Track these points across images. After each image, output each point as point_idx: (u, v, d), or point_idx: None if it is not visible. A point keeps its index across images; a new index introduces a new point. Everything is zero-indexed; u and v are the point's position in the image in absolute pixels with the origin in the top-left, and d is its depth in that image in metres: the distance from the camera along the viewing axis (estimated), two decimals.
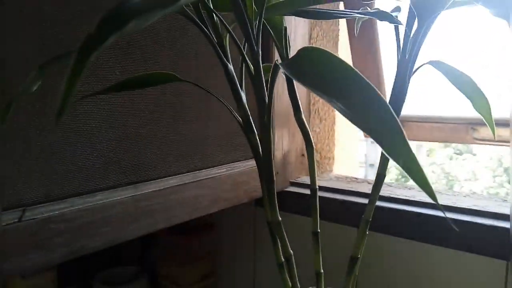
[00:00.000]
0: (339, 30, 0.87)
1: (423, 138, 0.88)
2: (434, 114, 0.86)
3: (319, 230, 0.41)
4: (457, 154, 4.21)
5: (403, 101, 0.39)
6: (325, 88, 0.19)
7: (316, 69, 0.21)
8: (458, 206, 0.56)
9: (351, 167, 1.05)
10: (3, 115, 0.22)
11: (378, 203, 0.63)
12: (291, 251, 0.36)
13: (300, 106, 0.41)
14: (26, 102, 0.38)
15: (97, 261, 0.74)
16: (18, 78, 0.36)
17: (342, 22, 0.88)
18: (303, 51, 0.23)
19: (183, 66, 0.52)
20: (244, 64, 0.32)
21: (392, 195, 0.62)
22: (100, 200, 0.43)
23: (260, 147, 0.34)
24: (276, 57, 0.61)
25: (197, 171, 0.55)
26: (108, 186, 0.45)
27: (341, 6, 0.82)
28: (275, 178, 0.33)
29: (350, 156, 1.09)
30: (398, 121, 0.17)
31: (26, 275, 0.51)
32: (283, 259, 0.36)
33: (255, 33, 0.27)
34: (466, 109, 0.83)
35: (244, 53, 0.30)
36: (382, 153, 0.40)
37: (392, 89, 0.39)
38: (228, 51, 0.32)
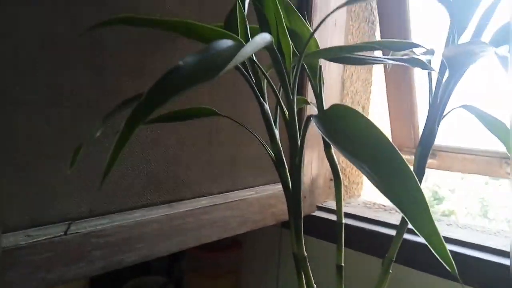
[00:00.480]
0: None
1: (455, 169, 0.87)
2: (467, 145, 0.85)
3: (343, 264, 0.42)
4: (493, 179, 4.05)
5: (432, 143, 0.40)
6: (355, 152, 0.21)
7: (347, 130, 0.22)
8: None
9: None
10: (73, 160, 0.25)
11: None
12: (315, 286, 0.37)
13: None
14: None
15: (128, 270, 0.77)
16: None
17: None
18: (335, 109, 0.25)
19: (221, 98, 0.55)
20: (278, 106, 0.34)
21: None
22: (137, 217, 0.46)
23: (289, 182, 0.36)
24: (309, 90, 0.63)
25: (228, 193, 0.57)
26: (145, 204, 0.48)
27: None
28: (303, 213, 0.35)
29: None
30: (424, 195, 0.19)
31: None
32: None
33: (291, 83, 0.29)
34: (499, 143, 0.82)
35: (280, 97, 0.32)
36: None
37: (423, 130, 0.40)
38: (265, 93, 0.34)
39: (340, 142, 0.22)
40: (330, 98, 0.75)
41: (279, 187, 0.63)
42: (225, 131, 0.56)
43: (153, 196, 0.49)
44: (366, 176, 0.20)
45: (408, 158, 0.94)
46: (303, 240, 0.36)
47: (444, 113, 0.40)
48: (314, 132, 0.70)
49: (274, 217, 0.63)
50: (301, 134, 0.30)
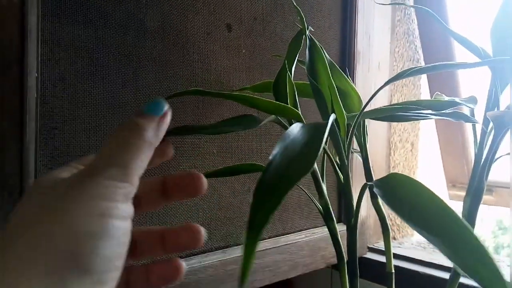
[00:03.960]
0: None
1: None
2: None
3: None
4: None
5: (482, 193, 0.40)
6: (423, 225, 0.21)
7: (411, 202, 0.23)
8: None
9: None
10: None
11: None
12: None
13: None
14: None
15: None
16: None
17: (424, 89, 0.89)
18: (392, 178, 0.26)
19: (269, 154, 0.58)
20: (324, 159, 0.36)
21: None
22: (195, 263, 0.49)
23: (339, 235, 0.38)
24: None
25: (278, 237, 0.59)
26: (201, 251, 0.51)
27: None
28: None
29: None
30: (497, 265, 0.19)
31: None
32: None
33: (346, 150, 0.31)
34: None
35: (332, 159, 0.34)
36: None
37: (470, 181, 0.40)
38: None
39: (406, 214, 0.22)
40: (376, 137, 0.76)
41: (325, 229, 0.64)
42: None
43: (209, 242, 0.52)
44: (440, 250, 0.20)
45: (462, 194, 0.91)
46: None
47: (493, 161, 0.41)
48: (361, 171, 0.71)
49: (324, 260, 0.64)
50: (356, 202, 0.32)
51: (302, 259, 0.60)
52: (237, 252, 0.54)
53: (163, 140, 0.27)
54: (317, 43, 0.31)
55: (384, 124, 0.77)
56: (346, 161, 0.31)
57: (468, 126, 0.84)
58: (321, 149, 0.21)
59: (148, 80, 0.47)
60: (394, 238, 0.84)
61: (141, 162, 0.25)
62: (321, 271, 0.79)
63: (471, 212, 0.38)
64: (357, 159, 0.68)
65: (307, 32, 0.31)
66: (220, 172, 0.42)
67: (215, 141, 0.53)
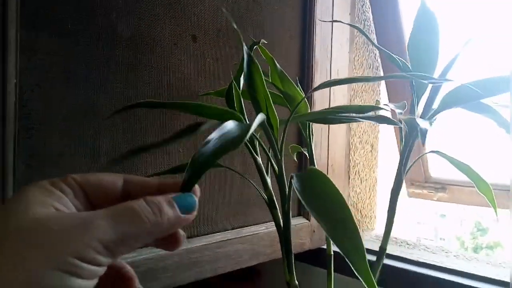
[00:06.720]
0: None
1: (463, 202, 0.91)
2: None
3: None
4: None
5: (400, 188, 0.46)
6: (317, 208, 0.28)
7: (315, 190, 0.30)
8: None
9: (398, 225, 1.08)
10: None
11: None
12: None
13: None
14: None
15: None
16: None
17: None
18: (310, 171, 0.32)
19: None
20: (269, 160, 0.42)
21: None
22: (161, 251, 0.55)
23: (281, 222, 0.43)
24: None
25: (240, 228, 0.65)
26: None
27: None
28: (293, 250, 0.42)
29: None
30: (363, 245, 0.26)
31: None
32: None
33: (279, 146, 0.37)
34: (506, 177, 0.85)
35: (269, 155, 0.40)
36: (386, 225, 0.48)
37: (395, 176, 0.47)
38: (258, 149, 0.43)
39: (306, 197, 0.29)
40: (337, 139, 0.82)
41: None
42: (239, 177, 0.64)
43: None
44: (324, 229, 0.27)
45: (419, 192, 0.99)
46: (294, 272, 0.43)
47: (415, 159, 0.47)
48: (321, 165, 0.78)
49: None
50: (288, 188, 0.38)
51: (262, 249, 0.66)
52: (201, 241, 0.59)
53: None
54: (254, 59, 0.36)
55: (343, 127, 0.84)
56: (279, 155, 0.37)
57: None
58: (246, 137, 0.27)
59: (118, 87, 0.52)
60: None
61: (136, 247, 0.25)
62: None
63: (392, 199, 0.44)
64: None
65: (245, 48, 0.36)
66: (183, 167, 0.47)
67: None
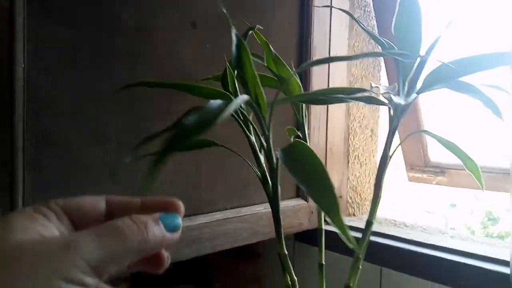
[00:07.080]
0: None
1: (463, 185, 0.92)
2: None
3: (323, 263, 0.51)
4: None
5: (387, 164, 0.48)
6: (301, 175, 0.30)
7: (298, 161, 0.32)
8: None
9: (398, 208, 1.11)
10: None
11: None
12: (295, 277, 0.47)
13: None
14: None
15: (159, 280, 0.89)
16: None
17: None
18: (294, 144, 0.35)
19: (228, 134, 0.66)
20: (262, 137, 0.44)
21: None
22: None
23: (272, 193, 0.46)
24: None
25: (239, 208, 0.67)
26: None
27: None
28: (282, 222, 0.45)
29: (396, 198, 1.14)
30: (337, 199, 0.28)
31: None
32: (290, 283, 0.47)
33: (267, 123, 0.40)
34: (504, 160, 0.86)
35: (260, 134, 0.42)
36: (373, 200, 0.50)
37: (382, 153, 0.49)
38: (251, 128, 0.45)
39: (289, 163, 0.32)
40: (335, 123, 0.84)
41: (286, 203, 0.73)
42: (238, 158, 0.67)
43: None
44: (305, 190, 0.29)
45: (419, 176, 1.00)
46: (283, 242, 0.45)
47: (409, 140, 0.49)
48: (319, 151, 0.80)
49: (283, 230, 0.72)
50: (275, 161, 0.41)
51: (261, 228, 0.69)
52: (201, 219, 0.62)
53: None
54: (243, 41, 0.39)
55: (343, 111, 0.86)
56: (267, 131, 0.40)
57: (423, 115, 0.92)
58: (228, 113, 0.29)
59: (121, 72, 0.55)
60: (354, 215, 0.93)
61: (123, 266, 0.25)
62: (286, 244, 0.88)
63: (379, 174, 0.46)
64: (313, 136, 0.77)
65: (233, 31, 0.39)
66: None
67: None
